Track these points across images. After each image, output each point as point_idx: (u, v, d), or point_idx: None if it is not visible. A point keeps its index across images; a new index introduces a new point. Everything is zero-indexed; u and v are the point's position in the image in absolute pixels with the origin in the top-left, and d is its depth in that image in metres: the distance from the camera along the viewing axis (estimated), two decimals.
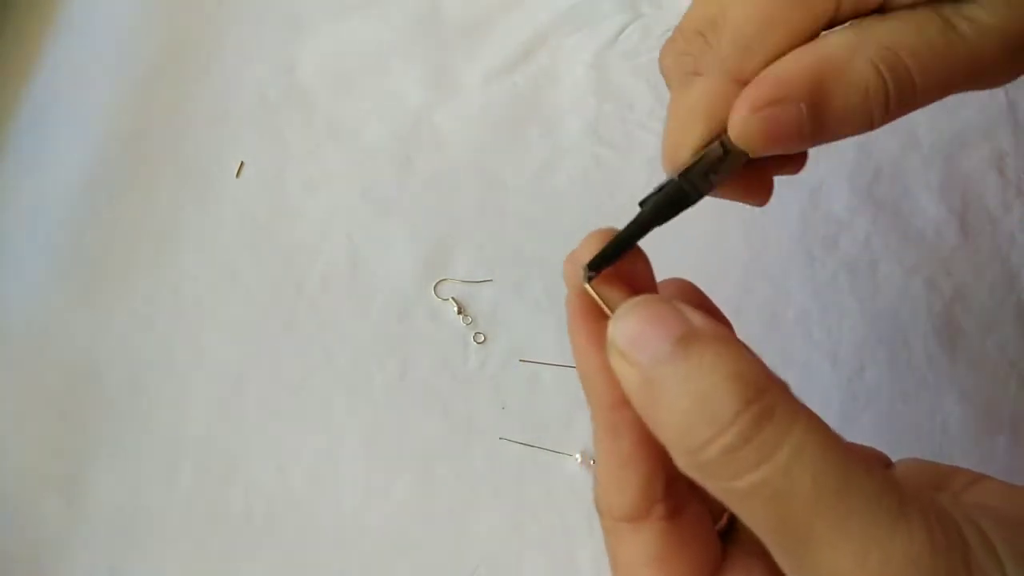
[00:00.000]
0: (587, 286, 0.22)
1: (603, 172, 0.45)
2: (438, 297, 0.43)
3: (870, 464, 0.17)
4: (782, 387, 0.17)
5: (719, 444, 0.16)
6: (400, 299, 0.43)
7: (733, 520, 0.23)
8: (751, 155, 0.22)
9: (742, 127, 0.21)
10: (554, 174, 0.45)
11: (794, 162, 0.28)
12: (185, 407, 0.42)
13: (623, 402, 0.19)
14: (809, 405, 0.20)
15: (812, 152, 0.43)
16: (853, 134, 0.22)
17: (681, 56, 0.24)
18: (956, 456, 0.38)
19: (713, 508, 0.22)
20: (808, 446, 0.16)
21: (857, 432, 0.38)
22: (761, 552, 0.21)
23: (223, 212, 0.46)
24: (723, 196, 0.26)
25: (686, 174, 0.23)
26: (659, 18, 0.49)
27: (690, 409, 0.17)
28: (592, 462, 0.39)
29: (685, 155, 0.23)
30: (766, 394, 0.17)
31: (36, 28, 0.52)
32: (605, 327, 0.20)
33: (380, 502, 0.39)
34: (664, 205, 0.23)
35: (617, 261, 0.22)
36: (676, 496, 0.21)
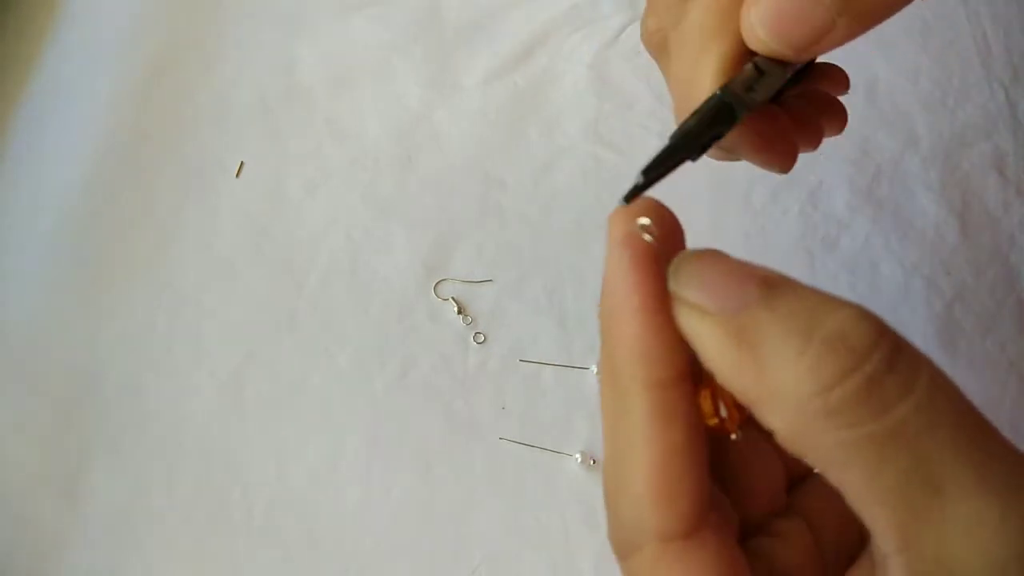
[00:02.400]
0: (642, 222, 0.18)
1: (603, 172, 0.45)
2: (438, 297, 0.43)
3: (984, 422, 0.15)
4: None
5: (861, 375, 0.14)
6: (400, 299, 0.43)
7: None
8: (786, 56, 0.19)
9: (760, 22, 0.19)
10: (554, 174, 0.45)
11: (834, 111, 0.26)
12: (185, 407, 0.42)
13: (674, 381, 0.17)
14: None
15: (812, 152, 0.43)
16: (894, 5, 0.19)
17: (666, 10, 0.22)
18: None
19: None
20: (940, 378, 0.14)
21: None
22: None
23: (223, 212, 0.46)
24: (749, 157, 0.24)
25: (726, 87, 0.20)
26: None
27: (810, 347, 0.14)
28: (593, 462, 0.39)
29: (702, 96, 0.20)
30: (886, 327, 0.15)
31: (36, 28, 0.52)
32: (660, 290, 0.17)
33: (380, 502, 0.39)
34: (707, 117, 0.20)
35: (659, 181, 0.19)
36: (720, 510, 0.18)
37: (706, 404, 0.18)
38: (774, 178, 0.44)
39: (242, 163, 0.47)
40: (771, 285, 0.16)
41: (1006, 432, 0.38)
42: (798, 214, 0.43)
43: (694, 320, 0.16)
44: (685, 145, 0.20)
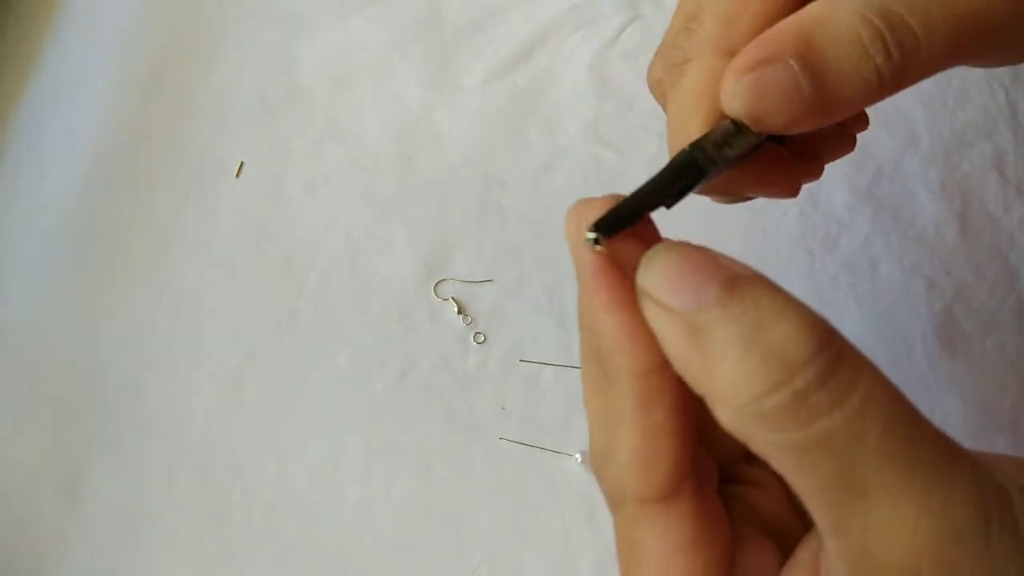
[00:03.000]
0: (598, 248, 0.20)
1: (603, 172, 0.45)
2: (438, 297, 0.43)
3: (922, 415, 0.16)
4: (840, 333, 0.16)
5: (789, 390, 0.15)
6: (400, 299, 0.43)
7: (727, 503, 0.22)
8: (754, 127, 0.20)
9: (730, 94, 0.19)
10: (554, 174, 0.45)
11: (843, 142, 0.25)
12: (185, 407, 0.42)
13: (657, 367, 0.18)
14: None
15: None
16: (869, 98, 0.19)
17: (669, 54, 0.23)
18: None
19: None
20: (878, 389, 0.15)
21: None
22: (761, 525, 0.21)
23: (223, 212, 0.46)
24: (751, 190, 0.24)
25: (697, 143, 0.20)
26: (659, 18, 0.49)
27: (750, 355, 0.15)
28: None
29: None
30: (835, 336, 0.16)
31: (36, 28, 0.52)
32: (626, 285, 0.18)
33: (380, 502, 0.39)
34: (671, 174, 0.20)
35: (619, 232, 0.20)
36: (700, 468, 0.20)
37: None
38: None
39: (242, 163, 0.47)
40: (732, 286, 0.16)
41: (1006, 432, 0.38)
42: (798, 214, 0.43)
43: (654, 313, 0.17)
44: (649, 198, 0.21)
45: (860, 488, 0.15)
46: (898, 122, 0.45)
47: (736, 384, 0.16)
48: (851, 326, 0.41)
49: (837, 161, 0.44)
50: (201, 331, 0.43)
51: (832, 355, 0.15)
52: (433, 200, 0.45)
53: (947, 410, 0.39)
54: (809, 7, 0.19)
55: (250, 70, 0.50)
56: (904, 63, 0.19)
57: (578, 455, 0.39)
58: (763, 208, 0.43)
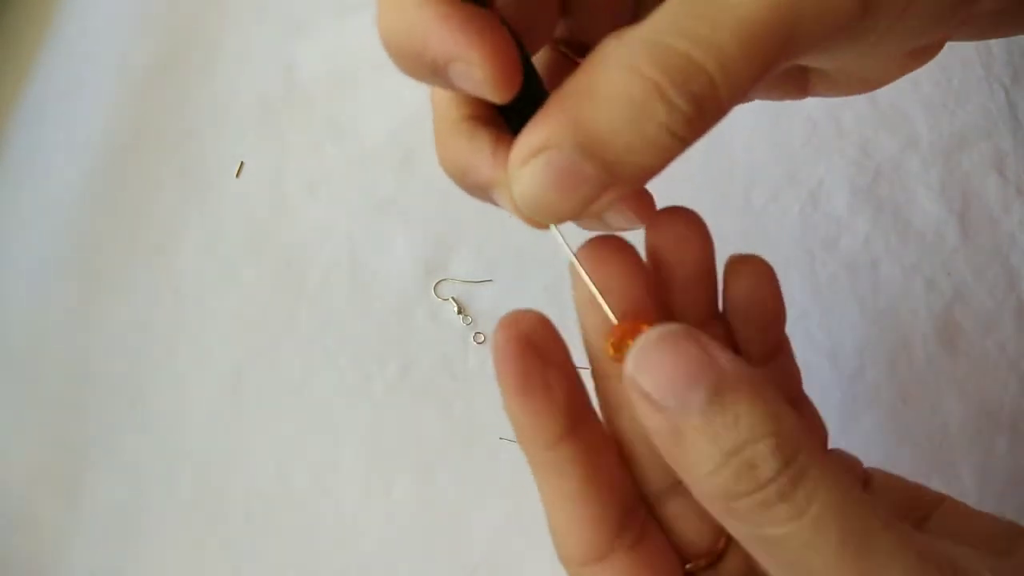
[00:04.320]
0: (575, 262, 0.20)
1: None
2: (438, 297, 0.43)
3: (890, 521, 0.17)
4: (809, 438, 0.17)
5: (754, 499, 0.16)
6: (400, 299, 0.43)
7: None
8: (550, 220, 0.19)
9: (514, 196, 0.18)
10: None
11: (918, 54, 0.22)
12: (185, 407, 0.42)
13: (564, 437, 0.19)
14: None
15: (812, 152, 0.43)
16: (669, 155, 0.17)
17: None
18: (956, 456, 0.38)
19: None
20: (835, 505, 0.16)
21: (857, 432, 0.38)
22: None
23: (223, 212, 0.46)
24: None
25: None
26: None
27: (724, 464, 0.17)
28: None
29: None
30: (800, 453, 0.17)
31: (35, 28, 0.52)
32: (530, 366, 0.19)
33: (380, 502, 0.39)
34: None
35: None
36: (636, 522, 0.20)
37: (611, 341, 0.19)
38: (774, 178, 0.44)
39: (242, 163, 0.47)
40: (717, 394, 0.17)
41: (1006, 432, 0.38)
42: (798, 214, 0.43)
43: (640, 403, 0.18)
44: None
45: None
46: (898, 122, 0.45)
47: (712, 484, 0.17)
48: (851, 326, 0.41)
49: (837, 161, 0.44)
50: (201, 331, 0.43)
51: (796, 472, 0.16)
52: (433, 200, 0.45)
53: (947, 410, 0.39)
54: (580, 68, 0.17)
55: (250, 70, 0.50)
56: (700, 107, 0.16)
57: None
58: (763, 208, 0.43)
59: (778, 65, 0.17)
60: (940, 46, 0.21)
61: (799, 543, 0.16)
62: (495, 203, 0.21)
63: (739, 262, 0.23)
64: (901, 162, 0.44)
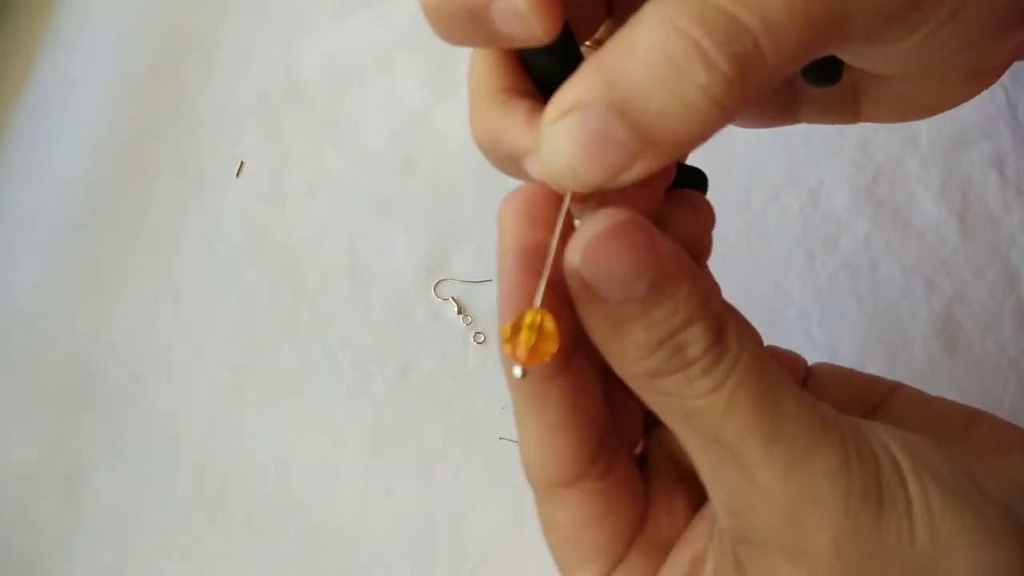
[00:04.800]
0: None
1: None
2: (438, 297, 0.43)
3: (801, 394, 0.18)
4: (736, 317, 0.18)
5: (680, 375, 0.18)
6: (400, 299, 0.43)
7: (647, 450, 0.24)
8: (577, 187, 0.17)
9: (541, 157, 0.17)
10: None
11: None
12: (185, 407, 0.42)
13: (552, 375, 0.19)
14: None
15: (812, 152, 0.43)
16: (709, 125, 0.16)
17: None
18: None
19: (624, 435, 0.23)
20: (750, 378, 0.18)
21: None
22: (678, 477, 0.23)
23: (223, 212, 0.46)
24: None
25: None
26: None
27: (658, 348, 0.17)
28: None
29: None
30: (724, 333, 0.18)
31: (36, 28, 0.52)
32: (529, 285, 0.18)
33: (380, 502, 0.39)
34: None
35: None
36: (608, 452, 0.21)
37: (513, 330, 0.18)
38: (774, 178, 0.44)
39: (242, 163, 0.47)
40: (660, 283, 0.17)
41: None
42: (798, 214, 0.43)
43: (579, 291, 0.18)
44: None
45: (736, 454, 0.17)
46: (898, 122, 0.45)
47: (643, 366, 0.18)
48: (851, 326, 0.41)
49: (837, 161, 0.44)
50: (201, 331, 0.43)
51: (720, 350, 0.17)
52: (433, 200, 0.45)
53: None
54: (620, 30, 0.16)
55: (250, 70, 0.50)
56: (743, 71, 0.15)
57: None
58: (763, 208, 0.43)
59: (825, 44, 0.16)
60: (1002, 68, 0.21)
61: (716, 412, 0.17)
62: (525, 176, 0.20)
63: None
64: (901, 162, 0.44)
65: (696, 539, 0.21)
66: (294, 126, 0.48)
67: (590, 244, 0.17)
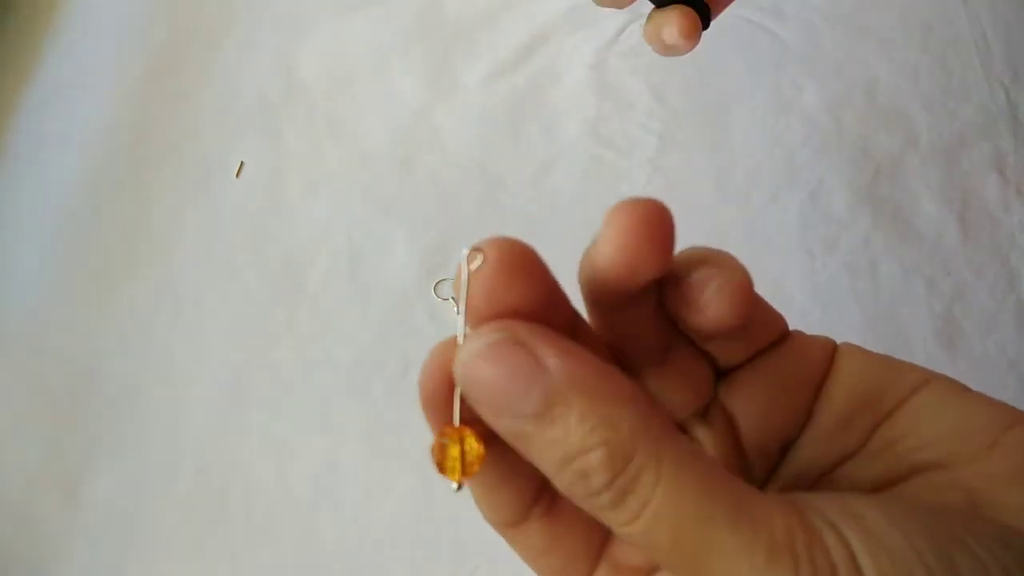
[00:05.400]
0: (465, 262, 0.19)
1: (603, 172, 0.45)
2: (438, 297, 0.43)
3: (738, 512, 0.17)
4: (652, 435, 0.17)
5: (591, 503, 0.17)
6: (400, 299, 0.43)
7: None
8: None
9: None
10: (554, 174, 0.45)
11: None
12: (185, 407, 0.42)
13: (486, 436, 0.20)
14: None
15: (812, 151, 0.43)
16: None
17: None
18: None
19: None
20: (668, 508, 0.17)
21: None
22: None
23: (223, 212, 0.46)
24: None
25: None
26: None
27: (563, 470, 0.17)
28: None
29: None
30: (631, 461, 0.17)
31: (36, 28, 0.52)
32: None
33: (380, 502, 0.39)
34: None
35: None
36: (550, 493, 0.22)
37: (438, 448, 0.19)
38: (774, 178, 0.44)
39: (242, 163, 0.47)
40: (547, 404, 0.17)
41: None
42: (798, 214, 0.43)
43: (480, 409, 0.18)
44: None
45: (706, 540, 0.16)
46: (898, 122, 0.45)
47: (557, 482, 0.17)
48: (851, 326, 0.41)
49: (837, 161, 0.44)
50: (201, 331, 0.43)
51: (627, 480, 0.17)
52: (433, 200, 0.45)
53: None
54: None
55: (250, 70, 0.50)
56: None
57: None
58: (763, 208, 0.43)
59: None
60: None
61: (639, 539, 0.17)
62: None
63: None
64: (901, 162, 0.44)
65: None
66: (294, 126, 0.48)
67: (466, 364, 0.18)
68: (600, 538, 0.22)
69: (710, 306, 0.20)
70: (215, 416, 0.41)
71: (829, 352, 0.24)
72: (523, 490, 0.21)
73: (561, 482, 0.17)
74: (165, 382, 0.42)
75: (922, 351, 0.40)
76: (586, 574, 0.22)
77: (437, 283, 0.43)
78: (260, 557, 0.39)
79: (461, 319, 0.19)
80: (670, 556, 0.17)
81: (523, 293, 0.19)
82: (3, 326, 0.44)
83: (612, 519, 0.17)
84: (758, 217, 0.43)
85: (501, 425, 0.18)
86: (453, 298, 0.43)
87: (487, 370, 0.17)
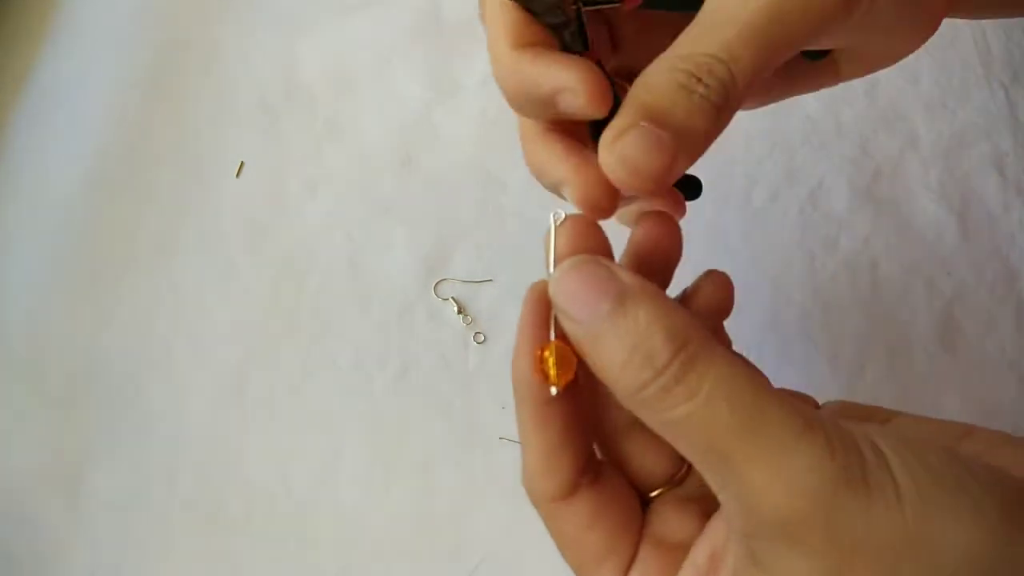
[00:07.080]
0: (552, 222, 0.24)
1: None
2: (438, 297, 0.43)
3: (782, 396, 0.20)
4: (703, 334, 0.20)
5: (656, 385, 0.20)
6: (400, 299, 0.43)
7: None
8: (640, 185, 0.22)
9: (611, 164, 0.22)
10: None
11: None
12: (185, 407, 0.42)
13: (551, 399, 0.23)
14: None
15: (812, 151, 0.43)
16: (720, 121, 0.23)
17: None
18: None
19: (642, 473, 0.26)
20: (724, 382, 0.20)
21: None
22: (697, 496, 0.25)
23: (223, 212, 0.46)
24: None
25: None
26: None
27: (630, 359, 0.20)
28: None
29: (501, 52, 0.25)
30: (690, 343, 0.20)
31: (36, 28, 0.52)
32: (537, 334, 0.23)
33: (380, 502, 0.39)
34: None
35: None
36: (594, 465, 0.25)
37: (540, 360, 0.23)
38: (774, 178, 0.44)
39: (242, 163, 0.47)
40: (620, 302, 0.21)
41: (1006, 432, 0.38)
42: (798, 214, 0.43)
43: (564, 322, 0.22)
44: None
45: (725, 455, 0.19)
46: (898, 122, 0.45)
47: (624, 379, 0.20)
48: (851, 326, 0.41)
49: (837, 161, 0.44)
50: (201, 331, 0.43)
51: (687, 358, 0.20)
52: (433, 200, 0.45)
53: (947, 410, 0.39)
54: (634, 84, 0.23)
55: (250, 70, 0.50)
56: (724, 85, 0.22)
57: None
58: (763, 208, 0.43)
59: (780, 52, 0.23)
60: (938, 19, 0.26)
61: (697, 420, 0.19)
62: (564, 197, 0.26)
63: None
64: (901, 162, 0.44)
65: (714, 537, 0.23)
66: (294, 126, 0.48)
67: (558, 278, 0.22)
68: (641, 513, 0.25)
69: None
70: (215, 416, 0.41)
71: (811, 400, 0.27)
72: (578, 455, 0.23)
73: (627, 373, 0.20)
74: (165, 382, 0.42)
75: (922, 351, 0.40)
76: (630, 551, 0.24)
77: (437, 283, 0.43)
78: (260, 556, 0.39)
79: (552, 263, 0.23)
80: (727, 429, 0.19)
81: (590, 245, 0.24)
82: (3, 326, 0.44)
83: (674, 399, 0.20)
84: (758, 217, 0.43)
85: (581, 330, 0.21)
86: (453, 298, 0.43)
87: (575, 278, 0.21)
